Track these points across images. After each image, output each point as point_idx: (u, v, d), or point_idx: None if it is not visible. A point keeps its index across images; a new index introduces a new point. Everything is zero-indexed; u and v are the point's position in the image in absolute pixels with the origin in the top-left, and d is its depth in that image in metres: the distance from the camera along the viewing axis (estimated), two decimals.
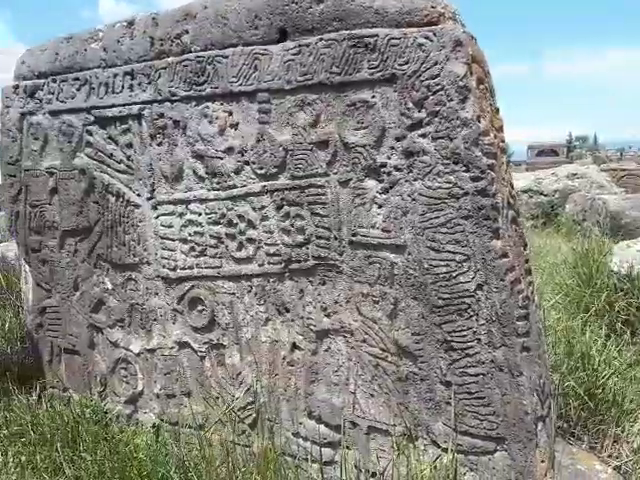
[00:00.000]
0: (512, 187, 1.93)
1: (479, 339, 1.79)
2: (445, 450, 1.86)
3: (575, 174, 9.02)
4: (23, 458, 2.31)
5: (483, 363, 1.79)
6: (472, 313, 1.79)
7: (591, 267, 3.70)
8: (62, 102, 2.58)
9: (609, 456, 2.23)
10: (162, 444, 2.34)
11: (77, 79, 2.52)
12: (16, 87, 2.72)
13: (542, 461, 1.77)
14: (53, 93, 2.60)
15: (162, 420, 2.49)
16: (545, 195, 8.62)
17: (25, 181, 2.74)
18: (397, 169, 1.86)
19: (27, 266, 2.86)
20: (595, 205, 6.93)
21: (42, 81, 2.64)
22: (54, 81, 2.59)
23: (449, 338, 1.83)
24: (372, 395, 2.01)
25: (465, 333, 1.81)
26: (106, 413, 2.58)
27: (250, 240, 2.19)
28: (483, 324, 1.78)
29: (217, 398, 2.32)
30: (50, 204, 2.69)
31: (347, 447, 2.03)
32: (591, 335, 2.84)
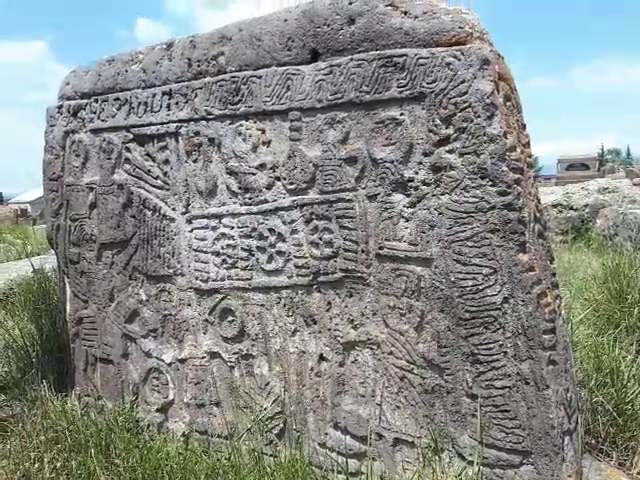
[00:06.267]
0: (539, 201, 1.95)
1: (505, 352, 1.81)
2: (471, 463, 1.87)
3: (606, 188, 8.86)
4: (58, 464, 2.35)
5: (509, 376, 1.80)
6: (498, 326, 1.81)
7: (622, 282, 3.63)
8: (103, 121, 2.70)
9: (638, 473, 2.19)
10: (192, 452, 2.40)
11: (118, 99, 2.64)
12: (60, 107, 2.86)
13: (569, 476, 1.76)
14: (95, 112, 2.73)
15: (192, 429, 2.53)
16: (575, 210, 8.47)
17: (66, 196, 2.86)
18: (424, 184, 1.91)
19: (65, 277, 2.97)
20: (627, 220, 6.79)
21: (85, 101, 2.77)
22: (96, 101, 2.72)
23: (475, 351, 1.85)
24: (398, 407, 2.03)
25: (491, 346, 1.83)
26: (138, 421, 2.64)
27: (280, 253, 2.25)
28: (509, 337, 1.80)
29: (246, 408, 2.36)
30: (89, 218, 2.79)
31: (373, 458, 2.05)
32: (620, 351, 2.80)
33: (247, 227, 2.32)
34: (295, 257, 2.21)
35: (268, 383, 2.33)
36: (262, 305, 2.32)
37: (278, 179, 2.23)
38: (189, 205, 2.48)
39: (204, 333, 2.49)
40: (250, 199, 2.31)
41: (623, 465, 2.25)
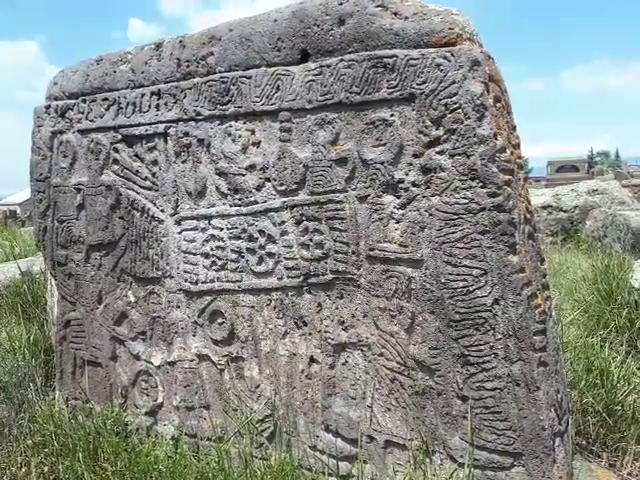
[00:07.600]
0: (529, 203, 1.95)
1: (496, 353, 1.80)
2: (462, 465, 1.87)
3: (595, 190, 8.91)
4: (45, 468, 2.34)
5: (500, 377, 1.80)
6: (489, 327, 1.81)
7: (611, 283, 3.66)
8: (91, 121, 2.67)
9: (629, 474, 2.20)
10: (181, 456, 2.38)
11: (106, 99, 2.61)
12: (47, 107, 2.82)
13: (560, 477, 1.76)
14: (83, 113, 2.70)
15: (181, 432, 2.51)
16: (565, 211, 8.52)
17: (54, 197, 2.82)
18: (415, 185, 1.91)
19: (53, 279, 2.93)
20: (616, 221, 6.83)
21: (73, 101, 2.74)
22: (84, 101, 2.69)
23: (466, 352, 1.85)
24: (389, 409, 2.02)
25: (482, 347, 1.82)
26: (127, 425, 2.62)
27: (270, 254, 2.24)
28: (500, 338, 1.79)
29: (235, 411, 2.35)
30: (77, 219, 2.76)
31: (364, 461, 2.04)
32: (610, 352, 2.82)
33: (237, 228, 2.31)
34: (285, 259, 2.20)
35: (258, 386, 2.31)
36: (252, 307, 2.31)
37: (268, 180, 2.22)
38: (178, 206, 2.46)
39: (193, 335, 2.47)
40: (240, 200, 2.29)
41: (613, 466, 2.26)
